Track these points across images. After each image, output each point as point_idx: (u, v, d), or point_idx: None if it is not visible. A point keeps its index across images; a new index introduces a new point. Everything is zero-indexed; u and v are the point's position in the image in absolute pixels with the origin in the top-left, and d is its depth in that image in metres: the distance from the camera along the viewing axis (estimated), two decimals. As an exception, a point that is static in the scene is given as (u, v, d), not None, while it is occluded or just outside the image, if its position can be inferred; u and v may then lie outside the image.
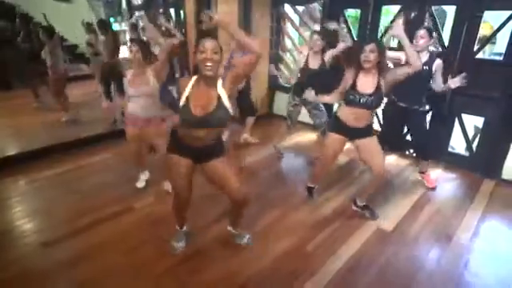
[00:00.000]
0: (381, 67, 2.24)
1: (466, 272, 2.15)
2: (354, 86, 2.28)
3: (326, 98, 2.59)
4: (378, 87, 2.25)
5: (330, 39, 3.21)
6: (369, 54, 2.17)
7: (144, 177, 3.05)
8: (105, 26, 4.69)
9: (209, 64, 1.66)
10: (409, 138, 3.75)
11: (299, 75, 3.31)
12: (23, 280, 2.01)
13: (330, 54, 3.15)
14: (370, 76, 2.26)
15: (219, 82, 1.77)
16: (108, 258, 2.18)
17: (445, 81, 2.86)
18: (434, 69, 2.81)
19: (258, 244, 2.34)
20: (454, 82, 2.76)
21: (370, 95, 2.24)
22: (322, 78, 3.21)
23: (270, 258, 2.21)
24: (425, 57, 2.81)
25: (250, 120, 3.98)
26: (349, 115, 2.36)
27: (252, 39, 1.78)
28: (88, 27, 5.05)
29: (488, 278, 2.11)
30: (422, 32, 2.78)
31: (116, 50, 4.57)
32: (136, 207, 2.74)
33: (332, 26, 3.20)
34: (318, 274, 2.08)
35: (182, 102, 1.74)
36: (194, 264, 2.16)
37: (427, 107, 3.05)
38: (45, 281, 2.01)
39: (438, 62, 2.82)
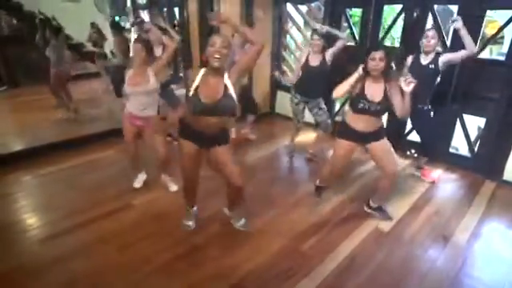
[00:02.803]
0: (387, 74, 2.20)
1: (461, 273, 2.13)
2: (362, 92, 2.23)
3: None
4: (386, 94, 2.21)
5: (329, 39, 3.20)
6: (378, 62, 2.13)
7: (142, 177, 3.07)
8: (118, 27, 4.73)
9: (217, 56, 1.81)
10: (410, 137, 3.74)
11: (300, 73, 3.31)
12: (21, 274, 2.06)
13: (330, 53, 3.17)
14: (377, 83, 2.21)
15: (225, 75, 1.91)
16: (105, 254, 2.22)
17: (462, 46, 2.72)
18: (441, 64, 2.78)
19: (255, 241, 2.37)
20: (456, 21, 2.64)
21: (379, 103, 2.21)
22: (323, 76, 3.21)
23: (266, 256, 2.23)
24: (431, 56, 2.82)
25: (251, 118, 4.02)
26: (358, 121, 2.31)
27: (253, 32, 1.98)
28: (95, 28, 5.13)
29: (484, 279, 2.09)
30: (432, 32, 2.79)
31: (128, 51, 4.61)
32: (135, 204, 2.78)
33: (323, 29, 3.17)
34: (313, 273, 2.09)
35: (191, 91, 1.89)
36: (191, 260, 2.18)
37: (430, 106, 3.02)
38: (42, 275, 2.05)
39: (444, 55, 2.80)
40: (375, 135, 2.34)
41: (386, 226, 2.56)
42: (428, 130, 3.10)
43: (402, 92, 2.16)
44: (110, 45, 5.32)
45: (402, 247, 2.35)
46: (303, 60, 3.27)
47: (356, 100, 2.25)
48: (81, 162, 3.50)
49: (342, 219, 2.64)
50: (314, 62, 3.21)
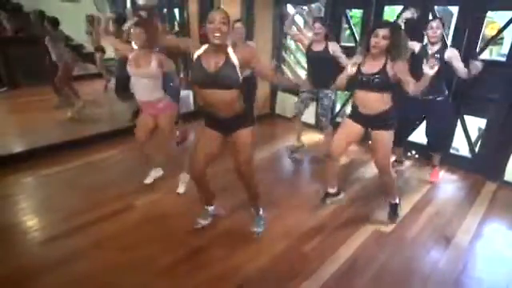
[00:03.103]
0: (393, 54, 2.11)
1: (463, 275, 2.13)
2: (359, 68, 2.22)
3: (338, 84, 2.43)
4: (384, 68, 2.14)
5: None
6: (380, 39, 2.06)
7: (154, 173, 3.10)
8: (119, 21, 4.70)
9: (217, 34, 1.80)
10: (410, 138, 3.73)
11: (306, 61, 3.36)
12: (23, 275, 2.05)
13: (332, 47, 3.20)
14: (376, 60, 2.17)
15: (230, 49, 1.90)
16: (107, 255, 2.21)
17: (466, 66, 2.75)
18: (446, 57, 2.76)
19: (257, 242, 2.37)
20: (476, 66, 2.65)
21: (374, 74, 2.15)
22: (328, 62, 3.23)
23: (268, 258, 2.23)
24: (437, 46, 2.82)
25: None
26: (360, 100, 2.30)
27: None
28: (89, 19, 5.12)
29: (486, 280, 2.09)
30: (436, 22, 2.77)
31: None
32: (137, 205, 2.77)
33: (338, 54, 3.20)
34: (315, 275, 2.09)
35: (194, 58, 1.91)
36: (194, 262, 2.18)
37: (445, 94, 2.96)
38: (43, 277, 2.05)
39: (450, 50, 2.78)
40: (378, 120, 2.28)
41: (387, 227, 2.56)
42: (442, 121, 3.03)
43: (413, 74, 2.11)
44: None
45: (404, 249, 2.35)
46: (305, 48, 3.34)
47: (354, 77, 2.24)
48: (82, 163, 3.49)
49: (344, 221, 2.64)
50: (318, 48, 3.25)
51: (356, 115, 2.39)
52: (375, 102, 2.24)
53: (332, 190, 2.79)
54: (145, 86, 2.64)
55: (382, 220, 2.62)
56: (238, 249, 2.30)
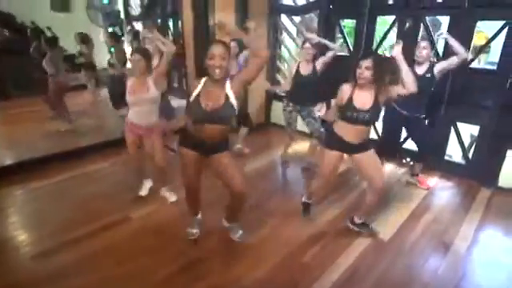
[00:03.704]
0: (378, 85, 2.13)
1: (462, 281, 2.14)
2: (350, 101, 2.17)
3: (328, 114, 2.53)
4: (376, 102, 2.15)
5: (321, 48, 3.25)
6: (363, 70, 2.08)
7: (148, 184, 3.07)
8: (117, 38, 4.71)
9: (217, 71, 1.84)
10: (406, 145, 3.78)
11: (292, 82, 3.34)
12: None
13: (321, 62, 3.21)
14: (366, 91, 2.16)
15: (227, 84, 1.92)
16: (103, 269, 2.16)
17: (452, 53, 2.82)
18: (436, 71, 2.85)
19: (255, 253, 2.34)
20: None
21: (368, 111, 2.15)
22: (312, 85, 3.24)
23: (266, 268, 2.20)
24: (426, 66, 2.88)
25: (243, 131, 3.97)
26: (346, 131, 2.24)
27: (258, 42, 2.00)
28: (80, 37, 5.09)
29: (485, 286, 2.10)
30: (424, 43, 2.87)
31: (126, 62, 4.59)
32: (133, 217, 2.72)
33: (313, 40, 3.21)
34: (315, 285, 2.07)
35: (192, 98, 1.92)
36: (193, 273, 2.15)
37: (423, 112, 3.08)
38: (37, 293, 1.98)
39: (439, 64, 2.88)
40: (361, 147, 2.29)
41: (385, 235, 2.55)
42: (424, 137, 3.14)
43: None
44: (103, 55, 5.30)
45: (403, 256, 2.35)
46: (294, 70, 3.31)
47: (344, 108, 2.20)
48: (74, 175, 3.43)
49: (341, 229, 2.63)
50: (305, 70, 3.24)
51: (338, 143, 2.30)
52: (362, 132, 2.25)
53: (309, 200, 2.74)
54: (143, 110, 2.64)
55: (380, 228, 2.62)
56: (235, 260, 2.27)
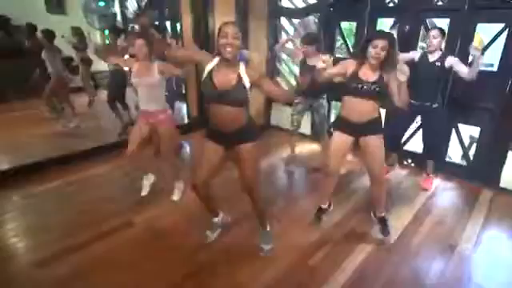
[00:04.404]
0: (387, 63, 2.07)
1: (470, 284, 2.13)
2: (355, 74, 2.15)
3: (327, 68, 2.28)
4: (381, 77, 2.12)
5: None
6: (380, 50, 2.03)
7: (147, 182, 3.04)
8: (116, 32, 4.65)
9: (228, 49, 1.80)
10: (407, 147, 3.79)
11: (300, 71, 3.32)
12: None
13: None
14: (372, 69, 2.13)
15: (242, 67, 1.90)
16: (106, 276, 2.11)
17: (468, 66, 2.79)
18: (447, 65, 2.83)
19: (261, 258, 2.31)
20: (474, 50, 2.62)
21: (374, 83, 2.11)
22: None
23: (274, 273, 2.17)
24: (437, 54, 2.89)
25: None
26: (351, 107, 2.21)
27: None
28: (75, 31, 5.04)
29: (493, 289, 2.10)
30: (434, 32, 2.86)
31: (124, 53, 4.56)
32: (136, 222, 2.68)
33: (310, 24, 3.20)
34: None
35: (205, 75, 1.88)
36: (200, 278, 2.11)
37: (439, 102, 3.02)
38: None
39: (450, 57, 2.85)
40: (370, 127, 2.23)
41: (391, 237, 2.54)
42: (437, 128, 3.09)
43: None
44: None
45: (410, 259, 2.34)
46: (300, 59, 3.30)
47: (349, 81, 2.17)
48: (75, 179, 3.37)
49: (347, 232, 2.61)
50: (312, 62, 3.23)
51: (344, 125, 2.29)
52: (368, 109, 2.20)
53: (324, 206, 2.68)
54: (148, 95, 2.69)
55: (380, 232, 2.57)
56: (242, 264, 2.24)
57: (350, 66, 2.21)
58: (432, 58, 2.91)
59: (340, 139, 2.34)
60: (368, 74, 2.15)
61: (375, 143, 2.27)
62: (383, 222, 2.51)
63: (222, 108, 1.91)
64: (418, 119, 3.35)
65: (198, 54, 2.14)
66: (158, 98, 2.73)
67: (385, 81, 2.12)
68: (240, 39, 1.84)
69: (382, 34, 2.10)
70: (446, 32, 3.00)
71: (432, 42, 2.86)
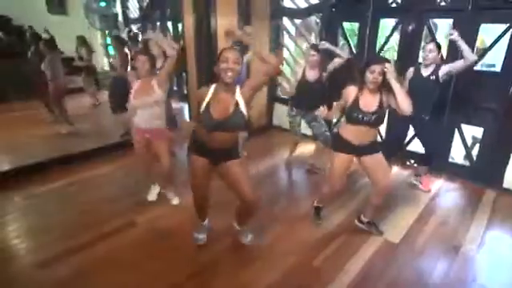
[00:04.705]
0: (386, 90, 2.15)
1: (474, 284, 2.12)
2: (356, 103, 2.19)
3: (328, 114, 2.51)
4: (381, 105, 2.18)
5: (326, 55, 3.23)
6: (377, 76, 2.09)
7: (155, 190, 3.02)
8: (121, 41, 4.65)
9: (229, 74, 1.82)
10: (410, 148, 3.78)
11: (297, 87, 3.32)
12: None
13: (329, 68, 3.20)
14: (372, 94, 2.18)
15: (237, 90, 1.91)
16: (108, 276, 2.10)
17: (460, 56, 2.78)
18: (442, 75, 2.84)
19: (266, 257, 2.30)
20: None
21: (374, 113, 2.16)
22: (318, 91, 3.23)
23: (277, 273, 2.16)
24: (431, 68, 2.88)
25: (243, 134, 3.90)
26: (352, 134, 2.26)
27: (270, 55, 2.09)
28: (81, 40, 5.04)
29: (498, 290, 2.09)
30: (431, 46, 2.86)
31: (127, 64, 4.54)
32: (138, 222, 2.66)
33: (323, 46, 3.23)
34: (329, 289, 2.04)
35: (203, 108, 1.89)
36: (203, 279, 2.10)
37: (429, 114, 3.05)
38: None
39: (444, 67, 2.85)
40: (369, 148, 2.30)
41: (394, 237, 2.54)
42: (429, 138, 3.12)
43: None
44: (102, 57, 5.24)
45: (414, 260, 2.33)
46: (300, 75, 3.28)
47: (350, 111, 2.23)
48: (77, 180, 3.36)
49: (350, 232, 2.60)
50: (311, 76, 3.23)
51: (345, 146, 2.32)
52: (369, 134, 2.27)
53: (321, 205, 2.72)
54: (149, 113, 2.61)
55: (389, 230, 2.60)
56: (245, 265, 2.23)
57: (350, 93, 2.25)
58: (426, 72, 2.91)
59: (342, 159, 2.37)
60: (368, 103, 2.19)
61: (377, 160, 2.33)
62: (372, 224, 2.58)
63: (219, 134, 1.93)
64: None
65: (197, 99, 2.01)
66: (158, 117, 2.66)
67: (385, 103, 2.19)
68: (240, 64, 1.87)
69: (379, 60, 2.17)
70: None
71: (428, 56, 2.86)
